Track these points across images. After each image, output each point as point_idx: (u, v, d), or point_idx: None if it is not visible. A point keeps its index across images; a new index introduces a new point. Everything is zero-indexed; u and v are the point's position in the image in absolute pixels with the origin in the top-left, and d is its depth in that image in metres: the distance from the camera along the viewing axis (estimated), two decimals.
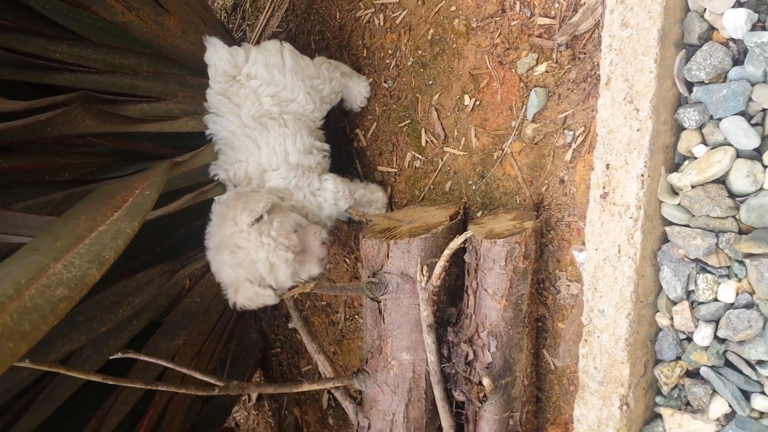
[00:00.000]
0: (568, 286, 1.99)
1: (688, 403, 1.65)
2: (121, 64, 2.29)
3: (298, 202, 2.16)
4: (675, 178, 1.58)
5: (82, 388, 2.11)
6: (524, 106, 2.04)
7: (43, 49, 2.08)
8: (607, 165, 1.64)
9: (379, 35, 2.53)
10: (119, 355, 1.81)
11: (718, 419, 1.58)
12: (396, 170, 2.50)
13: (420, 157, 2.39)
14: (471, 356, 1.91)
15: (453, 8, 2.24)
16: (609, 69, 1.63)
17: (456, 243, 1.83)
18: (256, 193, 2.06)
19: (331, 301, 2.82)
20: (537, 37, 2.00)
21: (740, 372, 1.55)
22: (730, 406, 1.56)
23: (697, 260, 1.58)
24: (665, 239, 1.65)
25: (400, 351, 2.06)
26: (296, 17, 2.96)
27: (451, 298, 2.12)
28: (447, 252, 1.85)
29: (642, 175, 1.57)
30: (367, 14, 2.57)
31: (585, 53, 1.90)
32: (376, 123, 2.55)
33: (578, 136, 1.91)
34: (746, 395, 1.55)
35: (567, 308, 2.00)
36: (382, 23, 2.51)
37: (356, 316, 2.70)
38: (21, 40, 2.03)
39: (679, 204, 1.58)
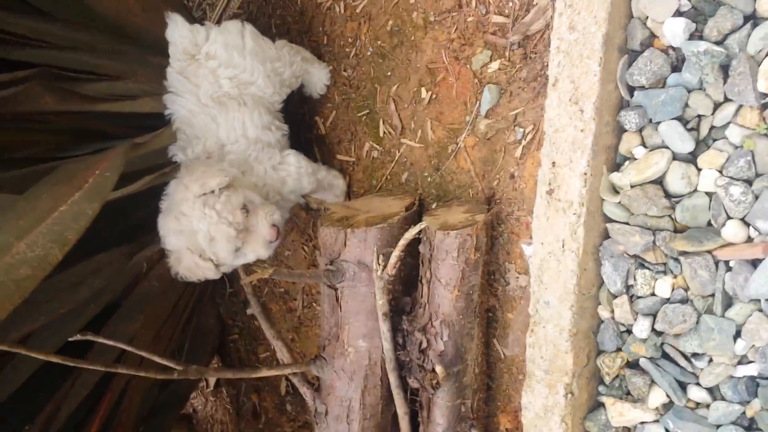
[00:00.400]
0: (517, 278, 2.06)
1: (629, 393, 1.74)
2: (80, 39, 2.24)
3: (259, 179, 2.16)
4: (616, 178, 1.65)
5: (39, 370, 2.12)
6: (478, 102, 2.09)
7: (5, 23, 2.04)
8: (553, 163, 1.70)
9: (340, 23, 2.54)
10: (78, 337, 1.83)
11: (656, 408, 1.68)
12: (354, 159, 2.54)
13: (378, 147, 2.43)
14: (425, 344, 1.98)
15: (412, 0, 2.27)
16: (557, 70, 1.69)
17: (410, 234, 1.89)
18: (219, 166, 2.05)
19: (289, 288, 2.86)
20: (491, 34, 2.04)
21: (677, 364, 1.64)
22: (667, 396, 1.65)
23: (635, 256, 1.67)
24: (606, 235, 1.72)
25: (357, 338, 2.11)
26: (257, 1, 2.96)
27: (406, 288, 2.18)
28: (402, 242, 1.90)
29: (585, 174, 1.64)
30: (328, 1, 2.58)
31: (536, 53, 1.95)
32: (335, 111, 2.58)
33: (528, 134, 1.97)
34: (683, 386, 1.64)
35: (516, 299, 2.08)
36: (342, 11, 2.53)
37: (314, 304, 2.75)
38: None
39: (619, 202, 1.66)
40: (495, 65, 2.04)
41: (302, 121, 2.72)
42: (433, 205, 2.27)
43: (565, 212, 1.68)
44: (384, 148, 2.42)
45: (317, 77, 2.55)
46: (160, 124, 2.27)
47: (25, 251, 1.20)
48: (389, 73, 2.37)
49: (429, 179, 2.28)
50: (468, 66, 2.12)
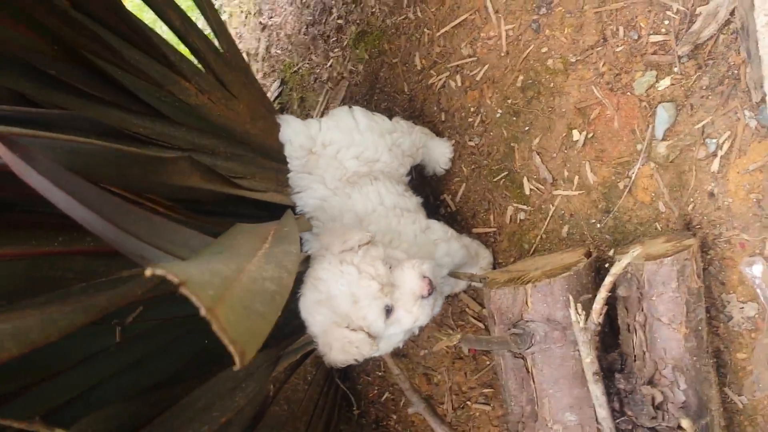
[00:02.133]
0: (742, 308, 1.75)
1: None
2: (200, 143, 2.15)
3: (410, 244, 1.93)
4: None
5: None
6: (650, 126, 1.90)
7: (125, 122, 1.94)
8: None
9: (458, 96, 2.44)
10: None
11: None
12: (495, 229, 2.31)
13: (524, 207, 2.21)
14: (659, 398, 1.63)
15: (544, 50, 2.17)
16: None
17: (620, 267, 1.61)
18: (360, 227, 1.83)
19: (432, 392, 2.51)
20: (652, 54, 1.91)
21: None
22: None
23: None
24: None
25: (562, 411, 1.76)
26: (355, 102, 2.89)
27: (603, 345, 1.86)
28: (609, 279, 1.62)
29: None
30: (440, 80, 2.50)
31: (713, 58, 1.80)
32: (464, 184, 2.40)
33: (723, 143, 1.77)
34: None
35: (744, 334, 1.75)
36: (459, 84, 2.43)
37: (468, 403, 2.38)
38: (104, 111, 1.90)
39: None
40: (665, 82, 1.88)
41: (426, 204, 2.52)
42: (611, 252, 2.01)
43: None
44: (532, 207, 2.20)
45: (439, 152, 2.41)
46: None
47: (258, 270, 0.95)
48: (527, 128, 2.22)
49: (598, 225, 2.04)
50: (629, 93, 1.96)
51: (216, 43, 2.48)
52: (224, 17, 4.42)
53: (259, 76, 3.78)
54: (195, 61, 2.37)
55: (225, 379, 1.73)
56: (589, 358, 1.66)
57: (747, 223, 1.73)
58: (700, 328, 1.66)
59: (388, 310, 1.67)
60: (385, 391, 2.68)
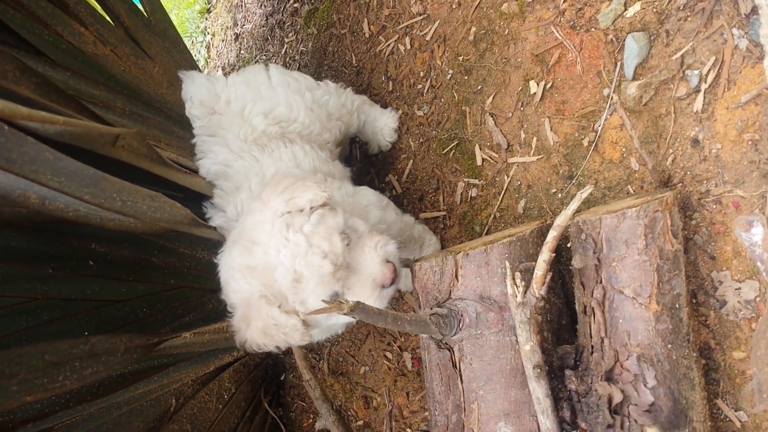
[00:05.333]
0: (738, 289, 1.31)
1: None
2: (87, 92, 1.82)
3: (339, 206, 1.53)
4: None
5: None
6: (618, 64, 1.52)
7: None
8: None
9: (407, 61, 2.08)
10: None
11: None
12: (444, 212, 1.91)
13: (476, 182, 1.82)
14: (617, 398, 1.18)
15: None
16: None
17: (567, 214, 1.21)
18: (313, 179, 1.41)
19: (370, 418, 2.06)
20: None
21: None
22: None
23: None
24: None
25: (495, 420, 1.32)
26: None
27: (557, 340, 1.42)
28: (552, 234, 1.22)
29: None
30: (389, 45, 2.15)
31: None
32: (411, 161, 2.01)
33: (707, 74, 1.37)
34: None
35: (743, 325, 1.30)
36: (408, 47, 2.08)
37: (408, 431, 1.93)
38: None
39: None
40: (635, 8, 1.50)
41: (371, 187, 2.15)
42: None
43: None
44: (485, 180, 1.80)
45: (382, 122, 2.04)
46: None
47: None
48: (479, 87, 1.84)
49: (559, 195, 1.63)
50: (593, 29, 1.58)
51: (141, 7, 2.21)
52: (207, 38, 4.20)
53: None
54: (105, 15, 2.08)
55: (46, 349, 1.31)
56: (528, 345, 1.23)
57: (741, 175, 1.31)
58: (677, 305, 1.22)
59: (336, 296, 1.30)
60: None
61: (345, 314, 1.20)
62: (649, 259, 1.21)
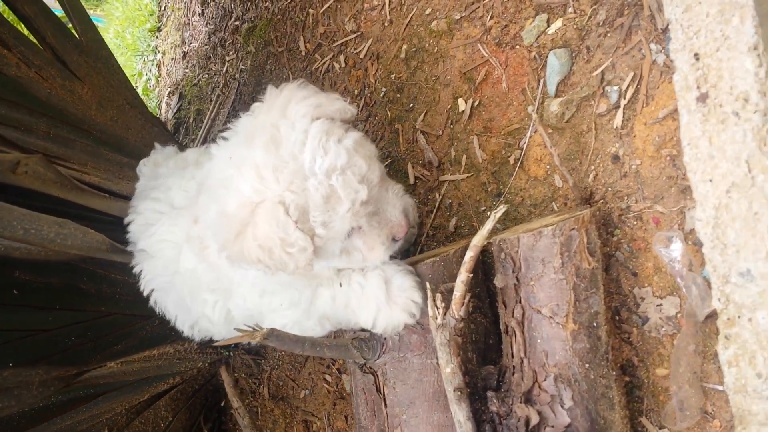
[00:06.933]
0: (660, 305, 1.30)
1: None
2: (8, 116, 1.76)
3: None
4: None
5: None
6: (541, 81, 1.51)
7: None
8: (695, 55, 1.07)
9: (342, 79, 2.06)
10: None
11: None
12: None
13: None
14: (534, 420, 1.15)
15: (428, 11, 1.80)
16: None
17: (482, 234, 1.19)
18: (336, 95, 1.27)
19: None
20: None
21: None
22: None
23: None
24: None
25: None
26: (244, 103, 2.53)
27: (483, 361, 1.39)
28: (469, 254, 1.20)
29: (755, 48, 1.00)
30: (324, 63, 2.13)
31: None
32: None
33: (626, 89, 1.36)
34: None
35: (665, 341, 1.29)
36: (343, 65, 2.06)
37: None
38: None
39: None
40: (557, 25, 1.49)
41: None
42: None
43: (739, 116, 1.01)
44: (418, 198, 1.78)
45: None
46: None
47: None
48: (411, 104, 1.82)
49: (488, 213, 1.61)
50: (518, 46, 1.58)
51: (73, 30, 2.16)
52: (158, 56, 4.14)
53: (165, 97, 3.44)
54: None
55: None
56: (449, 368, 1.20)
57: (660, 191, 1.30)
58: (595, 324, 1.20)
59: (349, 236, 1.21)
60: None
61: (258, 342, 1.17)
62: (565, 277, 1.19)
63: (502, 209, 1.17)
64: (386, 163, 1.87)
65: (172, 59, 3.85)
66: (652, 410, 1.30)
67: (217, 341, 1.53)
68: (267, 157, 1.10)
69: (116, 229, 1.70)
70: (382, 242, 1.24)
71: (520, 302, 1.24)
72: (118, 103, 2.19)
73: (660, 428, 1.28)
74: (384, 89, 1.91)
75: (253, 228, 1.12)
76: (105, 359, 1.88)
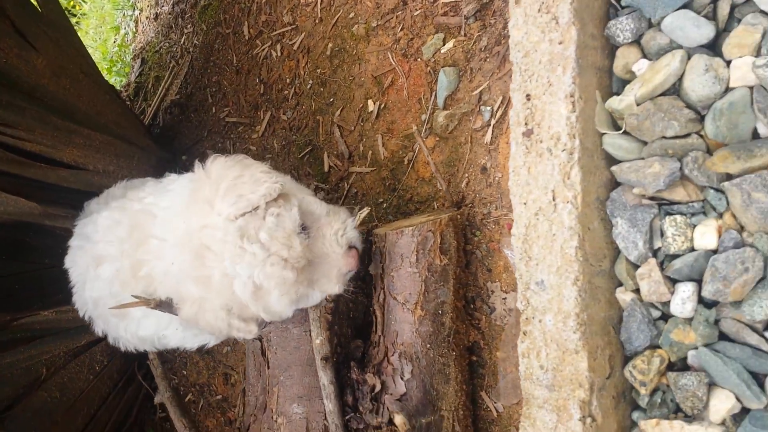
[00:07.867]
0: (504, 298, 1.53)
1: (678, 408, 1.15)
2: None
3: None
4: (615, 102, 1.22)
5: None
6: (434, 93, 1.71)
7: None
8: (527, 96, 1.27)
9: (277, 67, 2.24)
10: None
11: (723, 422, 1.09)
12: None
13: (323, 186, 2.00)
14: (378, 387, 1.39)
15: (352, 15, 1.98)
16: None
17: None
18: (260, 167, 1.35)
19: (228, 394, 2.25)
20: (442, 16, 1.72)
21: (744, 344, 1.09)
22: (737, 398, 1.07)
23: (659, 200, 1.18)
24: (614, 184, 1.25)
25: (290, 402, 1.52)
26: (194, 77, 2.69)
27: (359, 335, 1.62)
28: None
29: (571, 96, 1.20)
30: (264, 50, 2.30)
31: (496, 16, 1.61)
32: (272, 161, 2.18)
33: (497, 110, 1.57)
34: (757, 378, 1.07)
35: (506, 329, 1.52)
36: (279, 54, 2.24)
37: None
38: None
39: (624, 132, 1.20)
40: (449, 45, 1.69)
41: None
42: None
43: (552, 152, 1.22)
44: (330, 185, 1.98)
45: None
46: None
47: None
48: (331, 99, 2.02)
49: (384, 205, 1.82)
50: (419, 59, 1.77)
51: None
52: (136, 13, 4.23)
53: (129, 60, 3.58)
54: None
55: None
56: (318, 339, 1.43)
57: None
58: (440, 312, 1.43)
59: (300, 298, 1.31)
60: (188, 392, 2.41)
61: (153, 308, 1.39)
62: (418, 271, 1.42)
63: (365, 211, 1.38)
64: (307, 150, 2.06)
65: (147, 18, 3.97)
66: (491, 387, 1.54)
67: None
68: (195, 271, 1.23)
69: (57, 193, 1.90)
70: (335, 284, 1.32)
71: (383, 289, 1.47)
72: (73, 72, 2.34)
73: (496, 402, 1.53)
74: (311, 82, 2.10)
75: (202, 314, 1.27)
76: (46, 307, 2.10)
